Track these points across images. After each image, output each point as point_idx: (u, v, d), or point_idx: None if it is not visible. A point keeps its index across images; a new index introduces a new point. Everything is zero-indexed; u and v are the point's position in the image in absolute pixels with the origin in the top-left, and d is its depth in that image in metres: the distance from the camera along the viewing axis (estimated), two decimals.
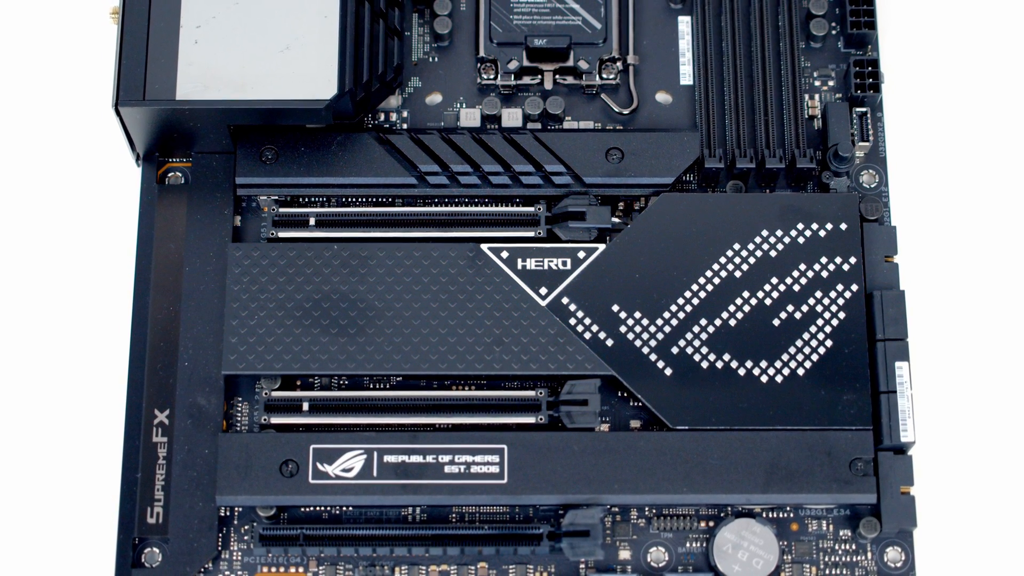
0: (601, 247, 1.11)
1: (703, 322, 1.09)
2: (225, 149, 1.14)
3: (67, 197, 1.18)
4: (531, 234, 1.12)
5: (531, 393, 1.09)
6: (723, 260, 1.10)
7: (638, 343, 1.09)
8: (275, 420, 1.09)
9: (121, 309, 1.14)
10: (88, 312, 1.16)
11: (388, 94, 1.16)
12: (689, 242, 1.11)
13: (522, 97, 1.16)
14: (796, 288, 1.10)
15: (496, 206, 1.13)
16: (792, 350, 1.09)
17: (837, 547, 1.09)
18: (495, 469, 1.07)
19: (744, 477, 1.07)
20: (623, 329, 1.09)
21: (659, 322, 1.09)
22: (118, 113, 1.10)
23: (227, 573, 1.08)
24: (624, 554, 1.08)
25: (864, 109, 1.15)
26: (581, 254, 1.10)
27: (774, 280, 1.10)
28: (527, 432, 1.08)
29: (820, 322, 1.09)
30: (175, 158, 1.15)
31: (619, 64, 1.16)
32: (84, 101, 1.19)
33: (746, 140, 1.14)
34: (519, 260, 1.10)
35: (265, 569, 1.08)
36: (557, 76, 1.17)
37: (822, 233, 1.11)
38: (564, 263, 1.10)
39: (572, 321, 1.09)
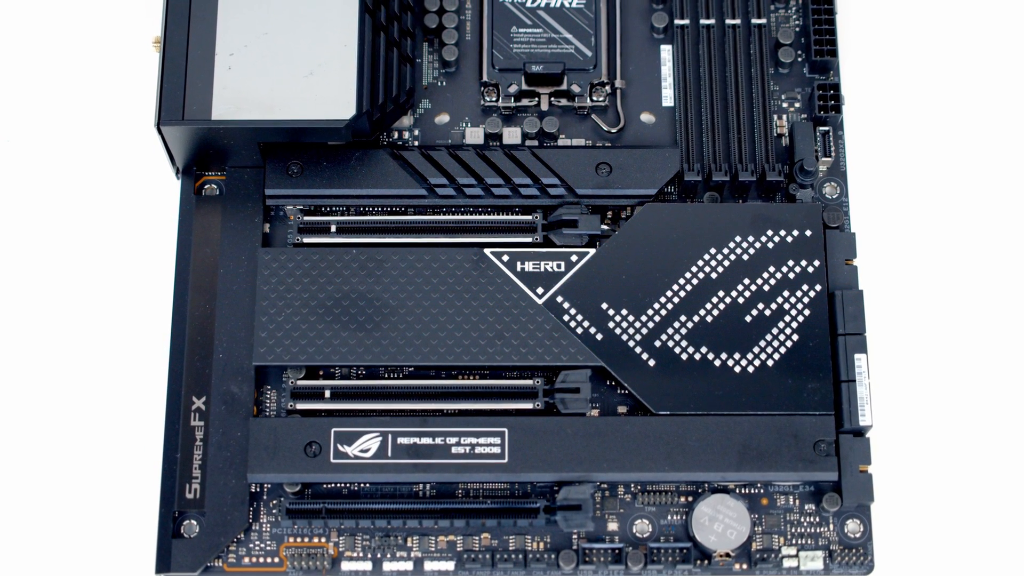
0: (592, 251, 1.13)
1: (683, 318, 1.12)
2: (255, 164, 1.15)
3: (114, 207, 1.19)
4: (529, 240, 1.14)
5: (529, 382, 1.11)
6: (700, 263, 1.13)
7: (624, 337, 1.11)
8: (300, 406, 1.11)
9: (163, 307, 1.16)
10: (133, 310, 1.17)
11: (401, 115, 1.18)
12: (670, 247, 1.13)
13: (521, 117, 1.18)
14: (766, 288, 1.12)
15: (498, 215, 1.15)
16: (762, 343, 1.11)
17: (803, 519, 1.11)
18: (497, 450, 1.09)
19: (719, 457, 1.08)
20: (611, 325, 1.11)
21: (643, 318, 1.12)
22: (160, 132, 1.12)
23: (257, 543, 1.10)
24: (612, 526, 1.11)
25: (827, 128, 1.17)
26: (574, 257, 1.13)
27: (746, 281, 1.12)
28: (525, 417, 1.10)
29: (787, 319, 1.12)
30: (211, 172, 1.16)
31: (608, 88, 1.18)
32: (129, 121, 1.21)
33: (721, 156, 1.16)
34: (518, 263, 1.13)
35: (291, 539, 1.10)
36: (552, 98, 1.19)
37: (789, 239, 1.13)
38: (559, 266, 1.13)
39: (566, 318, 1.11)
